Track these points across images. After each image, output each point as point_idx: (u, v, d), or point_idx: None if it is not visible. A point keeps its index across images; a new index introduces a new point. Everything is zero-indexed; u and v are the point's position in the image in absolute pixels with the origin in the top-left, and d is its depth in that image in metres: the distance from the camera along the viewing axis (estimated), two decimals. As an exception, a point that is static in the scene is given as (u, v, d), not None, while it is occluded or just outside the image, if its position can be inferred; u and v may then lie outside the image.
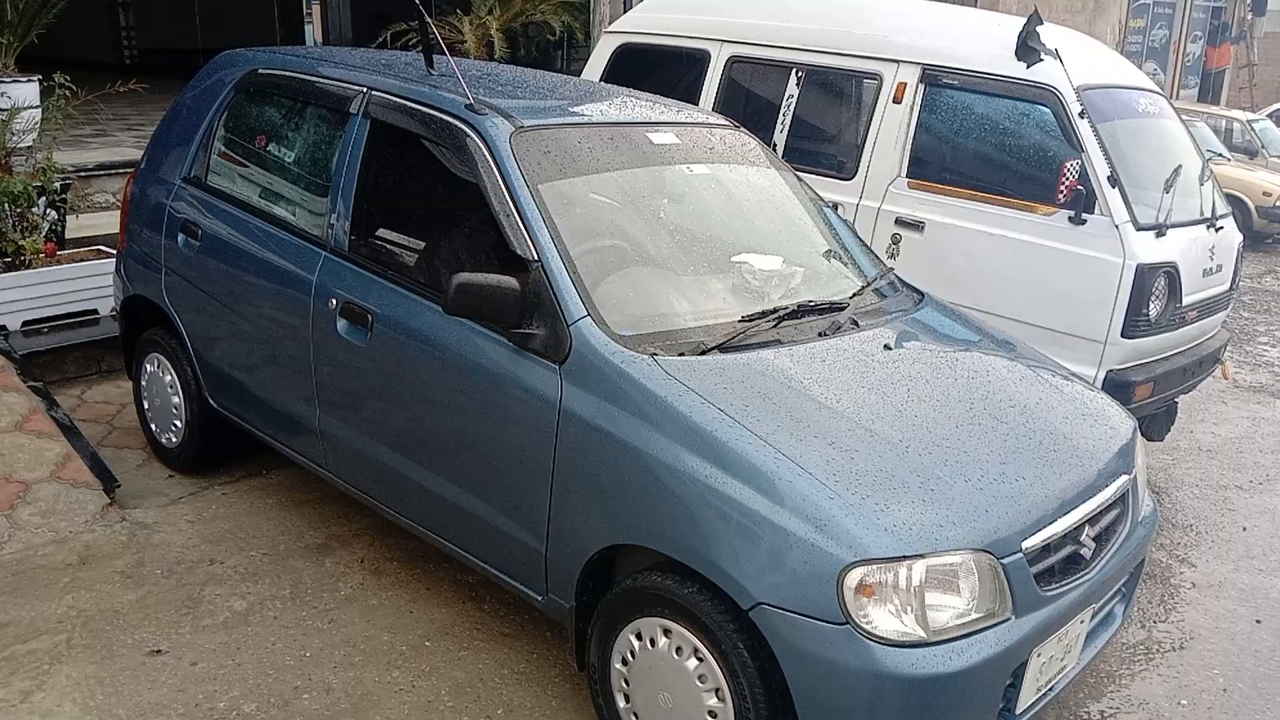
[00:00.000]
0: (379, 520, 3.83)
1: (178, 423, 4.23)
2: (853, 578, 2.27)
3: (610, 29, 6.29)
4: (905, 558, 2.29)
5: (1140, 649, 3.60)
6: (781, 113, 5.43)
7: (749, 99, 5.66)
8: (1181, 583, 4.11)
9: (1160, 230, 4.45)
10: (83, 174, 6.64)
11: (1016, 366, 3.20)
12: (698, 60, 5.77)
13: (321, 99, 3.65)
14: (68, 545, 3.65)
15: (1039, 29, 4.63)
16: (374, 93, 3.45)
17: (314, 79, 3.72)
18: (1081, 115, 4.48)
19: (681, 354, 2.73)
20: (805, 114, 5.40)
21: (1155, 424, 5.27)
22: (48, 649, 3.09)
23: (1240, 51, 21.08)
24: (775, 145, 5.41)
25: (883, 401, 2.73)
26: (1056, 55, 4.58)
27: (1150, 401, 4.62)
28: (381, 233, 3.40)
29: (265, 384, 3.75)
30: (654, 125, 3.48)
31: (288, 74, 3.85)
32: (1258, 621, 3.84)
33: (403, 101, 3.35)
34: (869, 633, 2.27)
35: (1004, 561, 2.40)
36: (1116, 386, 4.42)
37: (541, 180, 2.99)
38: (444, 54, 3.45)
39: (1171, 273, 4.48)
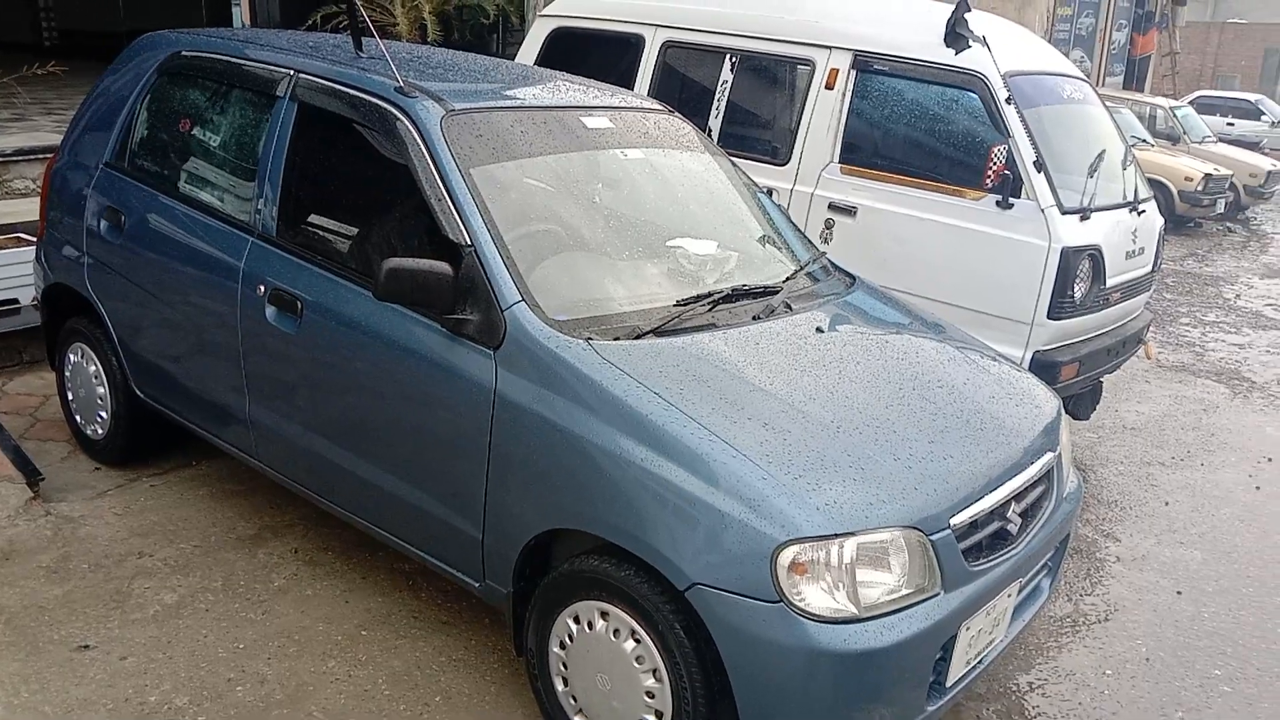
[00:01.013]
0: (313, 510, 3.78)
1: (103, 414, 4.13)
2: (785, 556, 2.30)
3: (544, 12, 6.24)
4: (836, 536, 2.32)
5: (1067, 621, 3.70)
6: (716, 98, 5.45)
7: (684, 84, 5.67)
8: (1107, 557, 4.23)
9: (1084, 214, 4.56)
10: (1, 159, 6.43)
11: (944, 348, 3.26)
12: (632, 45, 5.76)
13: (247, 82, 3.58)
14: (-12, 541, 3.55)
15: (967, 16, 4.70)
16: (301, 75, 3.39)
17: (239, 61, 3.64)
18: (1008, 101, 4.56)
19: (617, 338, 2.73)
20: (740, 100, 5.42)
21: (1081, 403, 5.41)
22: (-31, 647, 3.01)
23: (1164, 40, 21.62)
24: (710, 131, 5.43)
25: (815, 383, 2.77)
26: (984, 42, 4.66)
27: (1076, 381, 4.74)
28: (311, 218, 3.35)
29: (193, 373, 3.68)
30: (588, 109, 3.46)
31: (213, 56, 3.76)
32: (1178, 593, 3.98)
33: (330, 84, 3.29)
34: (802, 610, 2.30)
35: (933, 538, 2.45)
36: (1043, 367, 4.53)
37: (474, 164, 2.96)
38: (373, 36, 3.40)
39: (1095, 255, 4.59)
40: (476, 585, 2.92)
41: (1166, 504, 4.80)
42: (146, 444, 4.19)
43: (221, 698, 2.88)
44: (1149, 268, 5.19)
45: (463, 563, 2.93)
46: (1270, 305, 9.47)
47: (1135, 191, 5.08)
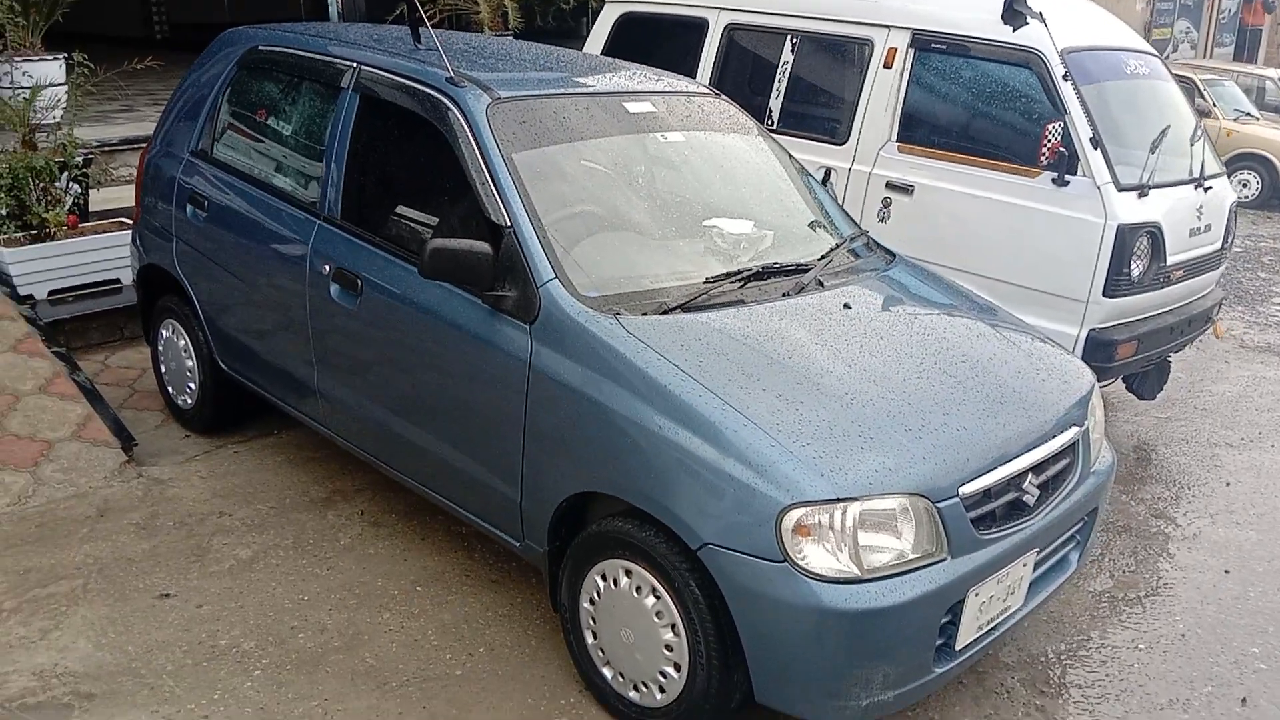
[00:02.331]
0: (379, 476, 4.03)
1: (192, 385, 4.46)
2: (790, 519, 2.43)
3: (612, -1, 6.39)
4: (840, 500, 2.44)
5: (1105, 597, 3.73)
6: (777, 79, 5.53)
7: (746, 66, 5.76)
8: (1156, 535, 4.22)
9: (1143, 191, 4.52)
10: (107, 149, 6.87)
11: (975, 324, 3.32)
12: (697, 28, 5.87)
13: (315, 74, 3.82)
14: (87, 499, 3.89)
15: (1024, -8, 4.68)
16: (363, 67, 3.61)
17: (309, 55, 3.89)
18: (1065, 78, 4.54)
19: (644, 313, 2.88)
20: (800, 80, 5.49)
21: (1146, 382, 5.37)
22: (66, 593, 3.33)
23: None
24: (770, 111, 5.52)
25: (834, 357, 2.87)
26: (1041, 18, 4.64)
27: (1134, 360, 4.71)
28: (370, 201, 3.57)
29: (269, 347, 3.96)
30: (630, 94, 3.61)
31: (285, 50, 4.02)
32: (1226, 572, 3.95)
33: (389, 75, 3.51)
34: (805, 570, 2.43)
35: (939, 505, 2.54)
36: (1099, 345, 4.52)
37: (516, 149, 3.14)
38: (427, 28, 3.59)
39: (1154, 233, 4.55)
40: (517, 545, 3.12)
41: (1228, 484, 4.74)
42: (230, 413, 4.51)
43: (284, 643, 3.15)
44: (1217, 245, 5.09)
45: (504, 523, 3.13)
46: (1374, 285, 9.06)
47: (1202, 167, 4.99)
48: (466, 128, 3.16)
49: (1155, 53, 5.40)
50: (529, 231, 2.96)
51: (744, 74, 5.74)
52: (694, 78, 5.32)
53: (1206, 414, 5.64)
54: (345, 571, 3.54)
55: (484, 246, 2.92)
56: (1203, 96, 12.54)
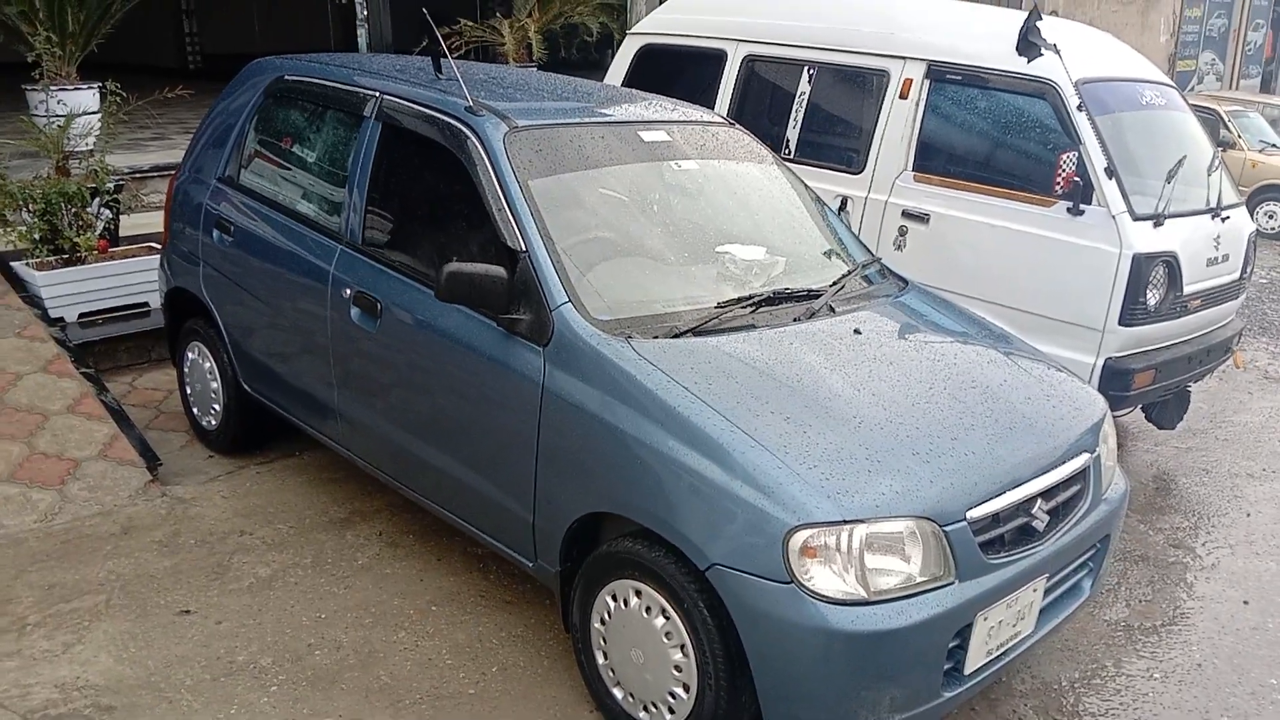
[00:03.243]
0: (398, 498, 4.09)
1: (216, 406, 4.54)
2: (796, 540, 2.45)
3: (633, 30, 6.50)
4: (846, 522, 2.46)
5: (1121, 625, 3.71)
6: (794, 109, 5.59)
7: (764, 96, 5.83)
8: (1174, 565, 4.20)
9: (1158, 220, 4.53)
10: (138, 175, 7.04)
11: (986, 350, 3.34)
12: (715, 60, 5.95)
13: (339, 103, 3.92)
14: (111, 517, 3.97)
15: (1039, 24, 4.73)
16: (385, 97, 3.70)
17: (333, 84, 3.99)
18: (1079, 108, 4.58)
19: (656, 337, 2.93)
20: (817, 110, 5.56)
21: (1165, 412, 5.35)
22: (89, 608, 3.39)
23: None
24: (788, 141, 5.58)
25: (844, 381, 2.90)
26: (1055, 49, 4.68)
27: (1152, 389, 4.70)
28: (390, 226, 3.65)
29: (292, 369, 4.03)
30: (645, 123, 3.67)
31: (310, 80, 4.13)
32: (1245, 602, 3.92)
33: (410, 105, 3.60)
34: (812, 591, 2.45)
35: (946, 529, 2.56)
36: (1115, 374, 4.52)
37: (532, 176, 3.21)
38: (447, 58, 3.68)
39: (1170, 262, 4.55)
40: (530, 565, 3.16)
41: (1248, 515, 4.71)
42: (254, 435, 4.59)
43: (301, 660, 3.19)
44: (1236, 275, 5.08)
45: (518, 544, 3.17)
46: (1402, 316, 8.97)
47: (1219, 197, 5.00)
48: (484, 155, 3.24)
49: (1172, 84, 5.43)
50: (543, 256, 3.02)
51: (762, 104, 5.81)
52: (713, 108, 5.41)
53: (1228, 444, 5.60)
54: (362, 590, 3.59)
55: (499, 270, 2.98)
56: (1227, 128, 12.50)
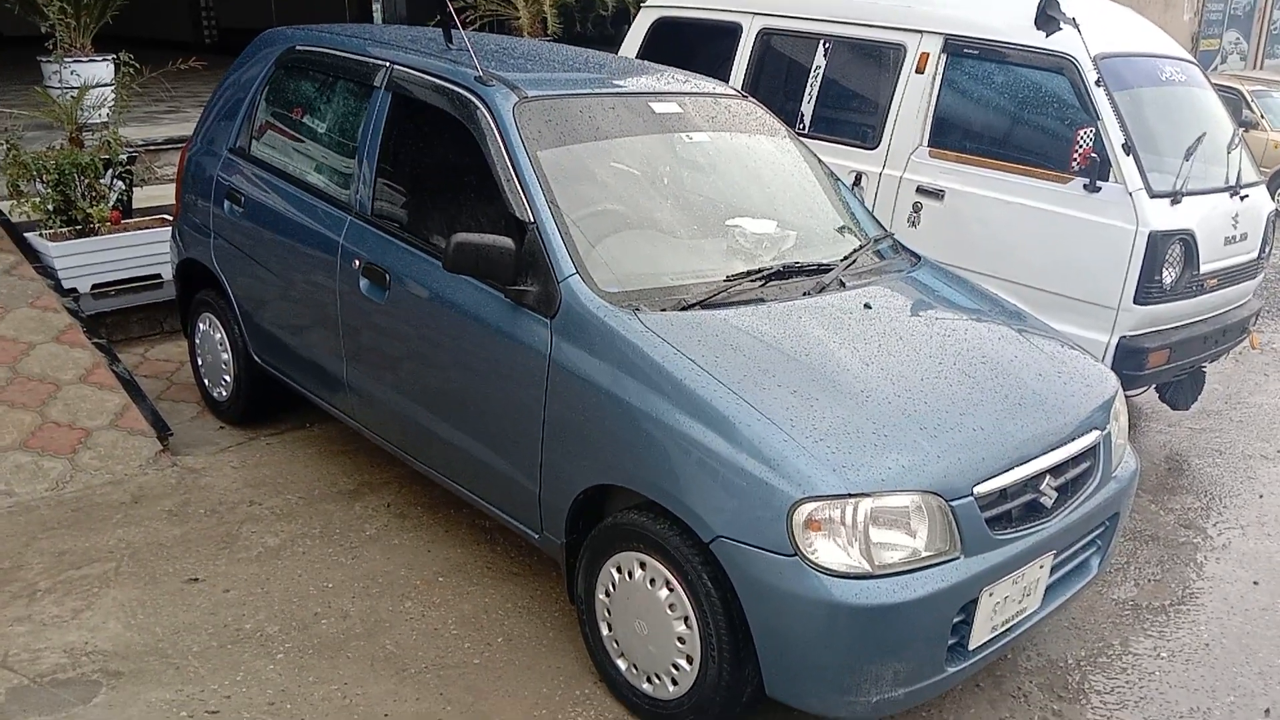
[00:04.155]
0: (405, 470, 4.10)
1: (227, 377, 4.56)
2: (801, 513, 2.44)
3: (647, 4, 6.44)
4: (851, 496, 2.45)
5: (1129, 604, 3.69)
6: (809, 83, 5.54)
7: (779, 70, 5.78)
8: (1185, 545, 4.17)
9: (1176, 197, 4.47)
10: (152, 148, 7.06)
11: (998, 326, 3.31)
12: (730, 33, 5.90)
13: (350, 73, 3.90)
14: (122, 486, 3.99)
15: (1057, -3, 4.66)
16: (396, 67, 3.68)
17: (344, 54, 3.97)
18: (1098, 83, 4.51)
19: (664, 309, 2.91)
20: (832, 84, 5.50)
21: (1180, 392, 5.31)
22: (98, 575, 3.42)
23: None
24: (803, 116, 5.53)
25: (852, 355, 2.88)
26: (1074, 24, 4.62)
27: (1166, 369, 4.66)
28: (400, 197, 3.64)
29: (301, 340, 4.04)
30: (657, 95, 3.64)
31: (321, 50, 4.11)
32: (1255, 583, 3.90)
33: (420, 75, 3.58)
34: (815, 564, 2.44)
35: (953, 504, 2.54)
36: (1130, 353, 4.48)
37: (542, 147, 3.19)
38: (458, 29, 3.66)
39: (1188, 240, 4.50)
40: (536, 537, 3.16)
41: (1261, 496, 4.67)
42: (264, 406, 4.60)
43: (307, 628, 3.21)
44: (1254, 254, 5.02)
45: (524, 515, 3.17)
46: None
47: (1239, 175, 4.93)
48: (494, 125, 3.22)
49: (1192, 60, 5.34)
50: (551, 227, 3.01)
51: (777, 78, 5.76)
52: (728, 81, 5.36)
53: (1242, 426, 5.55)
54: (370, 561, 3.61)
55: (507, 241, 2.97)
56: (1251, 108, 12.33)
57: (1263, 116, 12.45)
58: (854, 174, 5.22)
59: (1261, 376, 6.40)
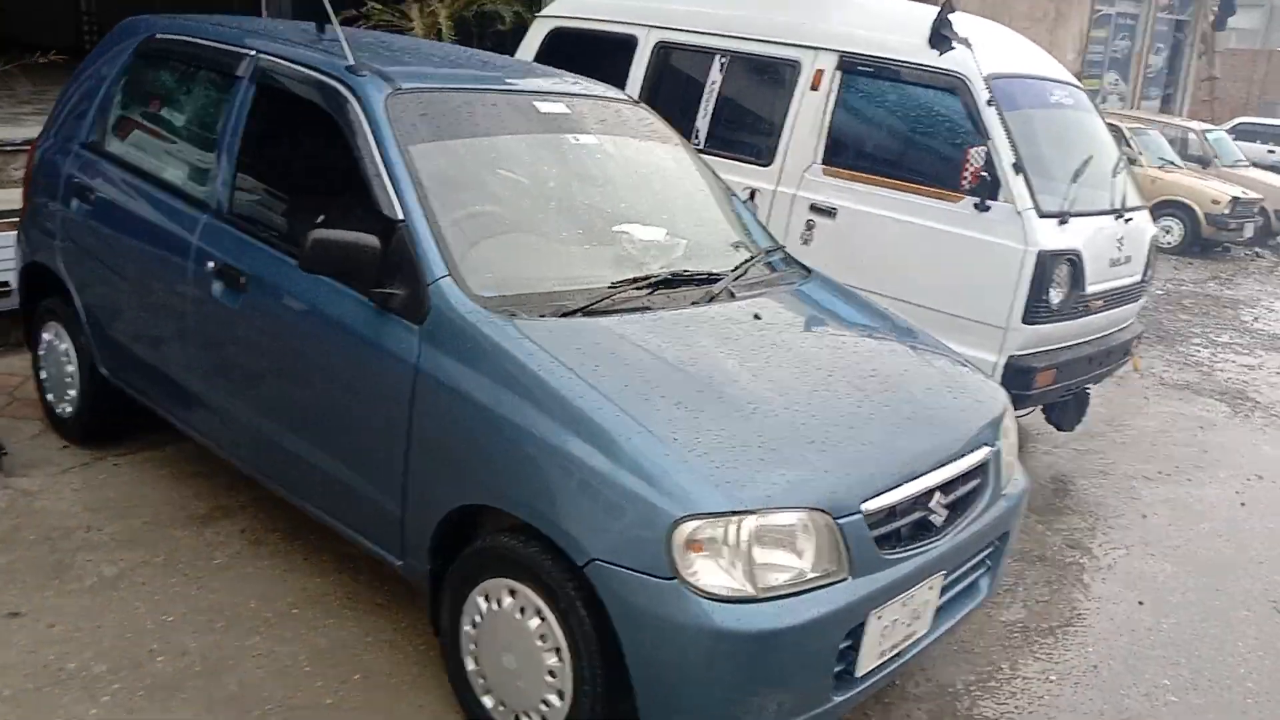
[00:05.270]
0: (268, 492, 3.79)
1: (73, 392, 4.18)
2: (681, 532, 2.27)
3: (542, 13, 6.29)
4: (735, 513, 2.29)
5: (1018, 627, 3.62)
6: (704, 98, 5.44)
7: (675, 84, 5.67)
8: (1071, 566, 4.14)
9: (1063, 218, 4.49)
10: (9, 149, 6.56)
11: (888, 341, 3.22)
12: (626, 45, 5.77)
13: (211, 63, 3.63)
14: (-58, 509, 3.60)
15: (951, 17, 4.66)
16: (261, 56, 3.42)
17: (206, 43, 3.69)
18: (989, 103, 4.51)
19: (543, 316, 2.72)
20: (727, 100, 5.42)
21: (1065, 413, 5.34)
22: (-98, 609, 3.04)
23: (1202, 66, 21.28)
24: (698, 131, 5.42)
25: (740, 367, 2.73)
26: (967, 44, 4.61)
27: (1053, 388, 4.66)
28: (261, 194, 3.38)
29: (151, 351, 3.71)
30: (543, 94, 3.47)
31: (183, 39, 3.82)
32: (1140, 603, 3.88)
33: (287, 64, 3.33)
34: (696, 588, 2.27)
35: (840, 522, 2.40)
36: (1017, 372, 4.46)
37: (415, 141, 2.97)
38: (332, 19, 3.42)
39: (1074, 260, 4.52)
40: (399, 564, 2.91)
41: (1144, 517, 4.69)
42: (115, 423, 4.23)
43: (140, 667, 2.89)
44: (1137, 277, 5.09)
45: (385, 540, 2.92)
46: (1289, 328, 9.26)
47: (1124, 199, 4.99)
48: (363, 117, 2.99)
49: (1080, 85, 5.42)
50: (422, 226, 2.79)
51: (673, 93, 5.64)
52: (621, 94, 5.22)
53: (1125, 447, 5.62)
54: (217, 592, 3.29)
55: (371, 239, 2.74)
56: (1129, 145, 12.81)
57: (1140, 153, 12.95)
58: (748, 190, 5.11)
59: (1142, 400, 6.53)
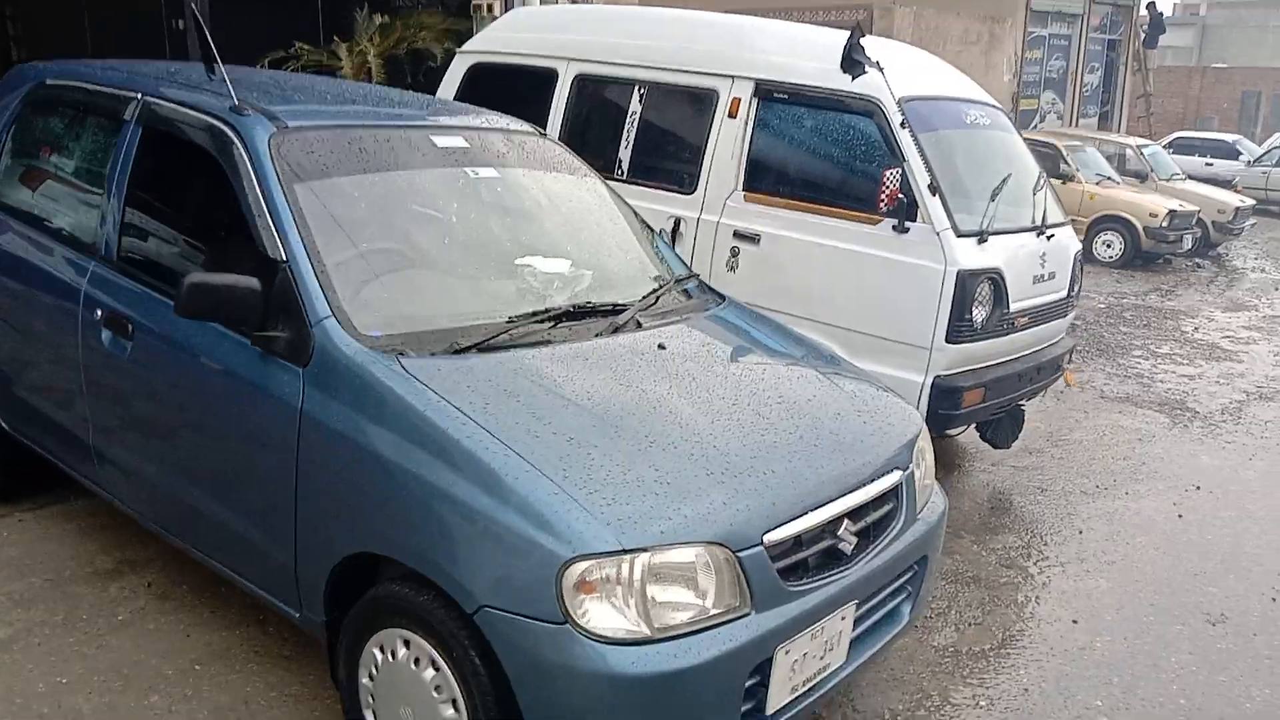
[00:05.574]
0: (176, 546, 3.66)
1: (-29, 448, 4.02)
2: (572, 574, 2.18)
3: (463, 49, 6.25)
4: (628, 552, 2.21)
5: (949, 651, 3.56)
6: (625, 129, 5.41)
7: (596, 117, 5.64)
8: (1006, 586, 4.09)
9: (982, 237, 4.48)
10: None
11: (797, 366, 3.17)
12: (547, 79, 5.73)
13: (99, 108, 3.53)
14: None
15: (862, 41, 4.66)
16: (147, 98, 3.34)
17: (94, 88, 3.60)
18: (903, 125, 4.51)
19: (434, 354, 2.64)
20: (648, 130, 5.39)
21: (1000, 430, 5.33)
22: None
23: (1137, 82, 21.74)
24: (620, 162, 5.39)
25: (638, 398, 2.66)
26: (879, 67, 4.62)
27: (982, 407, 4.63)
28: (148, 240, 3.28)
29: (48, 403, 3.59)
30: (440, 128, 3.40)
31: (72, 85, 3.73)
32: (1074, 622, 3.83)
33: (173, 106, 3.24)
34: (589, 631, 2.18)
35: (740, 555, 2.33)
36: (944, 392, 4.43)
37: (300, 180, 2.89)
38: (216, 62, 3.34)
39: (996, 278, 4.51)
40: (296, 615, 2.80)
41: (1080, 532, 4.67)
42: (18, 478, 4.07)
43: (26, 736, 2.75)
44: (1063, 293, 5.10)
45: (282, 592, 2.81)
46: (1228, 338, 9.36)
47: (1044, 216, 5.01)
48: (246, 157, 2.91)
49: (997, 105, 5.45)
50: (305, 266, 2.70)
51: (594, 125, 5.61)
52: (544, 127, 5.18)
53: (1063, 463, 5.61)
54: (117, 650, 3.16)
55: (251, 281, 2.65)
56: (1066, 162, 13.00)
57: (1078, 170, 13.14)
58: (673, 219, 5.08)
59: (1081, 414, 6.54)
